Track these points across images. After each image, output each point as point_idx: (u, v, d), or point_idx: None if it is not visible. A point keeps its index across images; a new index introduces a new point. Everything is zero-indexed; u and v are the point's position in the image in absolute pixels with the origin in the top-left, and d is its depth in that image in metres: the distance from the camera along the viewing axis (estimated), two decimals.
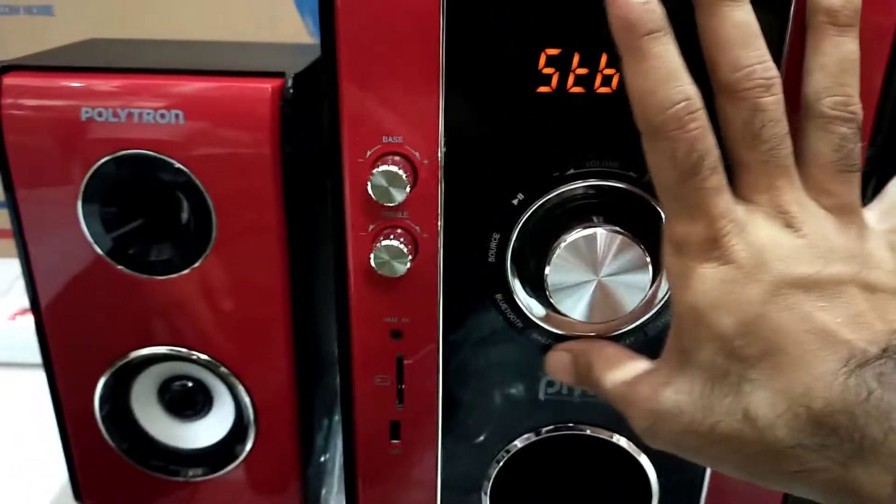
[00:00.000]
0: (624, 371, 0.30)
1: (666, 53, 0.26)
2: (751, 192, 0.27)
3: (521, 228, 0.32)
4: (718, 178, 0.26)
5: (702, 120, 0.25)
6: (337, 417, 0.49)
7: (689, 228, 0.26)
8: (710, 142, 0.26)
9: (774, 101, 0.26)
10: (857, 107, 0.27)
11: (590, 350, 0.32)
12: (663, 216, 0.28)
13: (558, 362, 0.33)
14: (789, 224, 0.26)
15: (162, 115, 0.35)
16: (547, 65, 0.29)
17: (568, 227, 0.30)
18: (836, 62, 0.27)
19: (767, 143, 0.26)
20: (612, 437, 0.36)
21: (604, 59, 0.29)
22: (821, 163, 0.27)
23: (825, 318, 0.24)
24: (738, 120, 0.26)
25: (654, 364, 0.29)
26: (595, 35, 0.29)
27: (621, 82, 0.29)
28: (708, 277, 0.26)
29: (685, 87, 0.25)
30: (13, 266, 0.40)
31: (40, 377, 0.41)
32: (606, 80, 0.29)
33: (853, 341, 0.24)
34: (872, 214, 0.28)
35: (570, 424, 0.36)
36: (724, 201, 0.26)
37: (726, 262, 0.26)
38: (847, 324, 0.24)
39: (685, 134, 0.25)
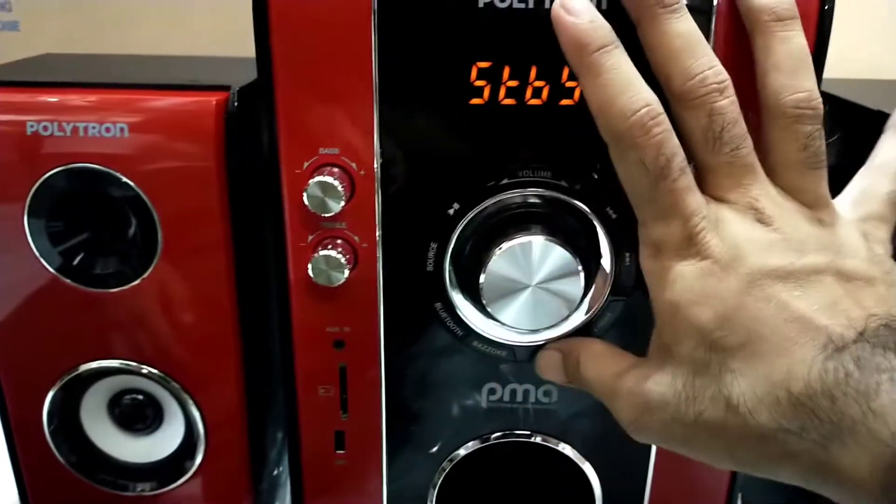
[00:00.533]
0: (610, 366, 0.30)
1: (620, 65, 0.26)
2: (719, 191, 0.27)
3: (458, 237, 0.32)
4: (688, 178, 0.26)
5: (665, 123, 0.26)
6: None
7: (664, 230, 0.27)
8: (674, 143, 0.26)
9: (730, 103, 0.26)
10: (818, 101, 0.27)
11: (578, 347, 0.32)
12: (639, 221, 0.28)
13: (548, 361, 0.33)
14: (760, 219, 0.27)
15: (107, 129, 0.35)
16: (478, 77, 0.30)
17: (503, 236, 0.31)
18: (788, 58, 0.27)
19: (729, 144, 0.27)
20: (557, 446, 0.37)
21: (533, 71, 0.30)
22: (789, 162, 0.27)
23: (802, 306, 0.25)
24: (697, 126, 0.27)
25: (640, 360, 0.29)
26: (524, 48, 0.29)
27: (551, 94, 0.30)
28: (686, 274, 0.26)
29: (643, 94, 0.26)
30: None
31: None
32: (537, 92, 0.30)
33: (830, 327, 0.24)
34: (843, 204, 0.29)
35: (516, 432, 0.37)
36: (696, 200, 0.26)
37: (703, 257, 0.26)
38: (823, 311, 0.24)
39: (651, 140, 0.26)
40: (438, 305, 0.34)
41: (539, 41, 0.29)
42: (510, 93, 0.30)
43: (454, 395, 0.36)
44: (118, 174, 0.35)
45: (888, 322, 0.24)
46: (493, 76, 0.30)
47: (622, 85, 0.26)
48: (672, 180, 0.26)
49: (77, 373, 0.40)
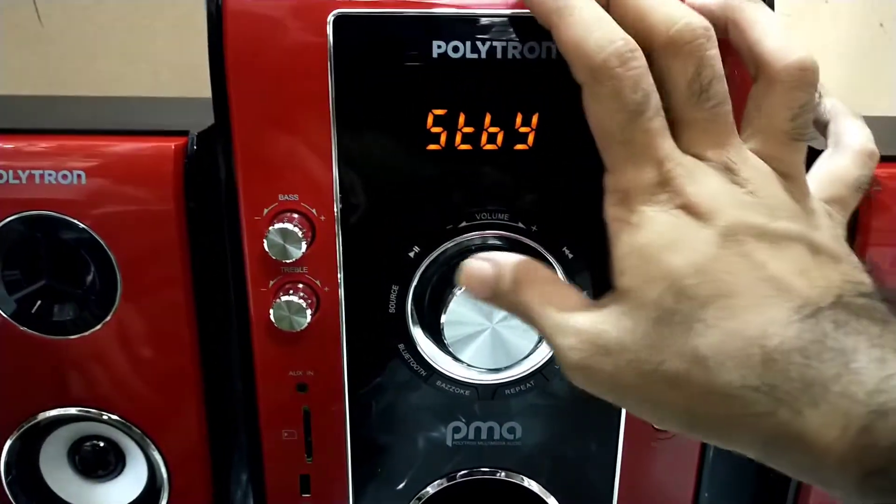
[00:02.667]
0: (558, 297, 0.27)
1: (590, 4, 0.26)
2: (695, 148, 0.26)
3: (418, 279, 0.33)
4: (662, 121, 0.25)
5: (642, 60, 0.25)
6: None
7: (636, 174, 0.25)
8: (651, 83, 0.25)
9: (716, 56, 0.25)
10: (818, 69, 0.26)
11: (519, 267, 0.28)
12: (607, 167, 0.26)
13: (477, 273, 0.29)
14: (735, 180, 0.26)
15: (64, 176, 0.35)
16: (435, 124, 0.31)
17: None
18: (777, 27, 0.27)
19: (713, 99, 0.26)
20: (522, 481, 0.37)
21: (488, 118, 0.31)
22: (775, 129, 0.26)
23: (777, 267, 0.24)
24: (683, 76, 0.25)
25: (593, 301, 0.27)
26: (478, 96, 0.30)
27: (506, 139, 0.31)
28: (659, 220, 0.25)
29: (618, 30, 0.25)
30: None
31: None
32: (492, 138, 0.31)
33: (806, 290, 0.23)
34: (809, 183, 0.28)
35: (482, 469, 0.37)
36: (670, 145, 0.25)
37: (677, 204, 0.25)
38: (797, 275, 0.24)
39: (629, 72, 0.25)
40: (401, 346, 0.34)
41: (492, 89, 0.30)
42: (466, 138, 0.31)
43: (420, 435, 0.36)
44: (76, 221, 0.35)
45: (861, 292, 0.24)
46: (448, 123, 0.31)
47: (595, 21, 0.25)
48: (648, 118, 0.25)
49: (35, 421, 0.39)
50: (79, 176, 0.35)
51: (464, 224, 0.32)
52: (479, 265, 0.29)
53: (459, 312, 0.31)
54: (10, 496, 0.41)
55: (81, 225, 0.35)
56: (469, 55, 0.29)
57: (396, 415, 0.35)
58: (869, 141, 0.30)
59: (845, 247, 0.26)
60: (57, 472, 0.42)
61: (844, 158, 0.30)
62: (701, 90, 0.25)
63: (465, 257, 0.32)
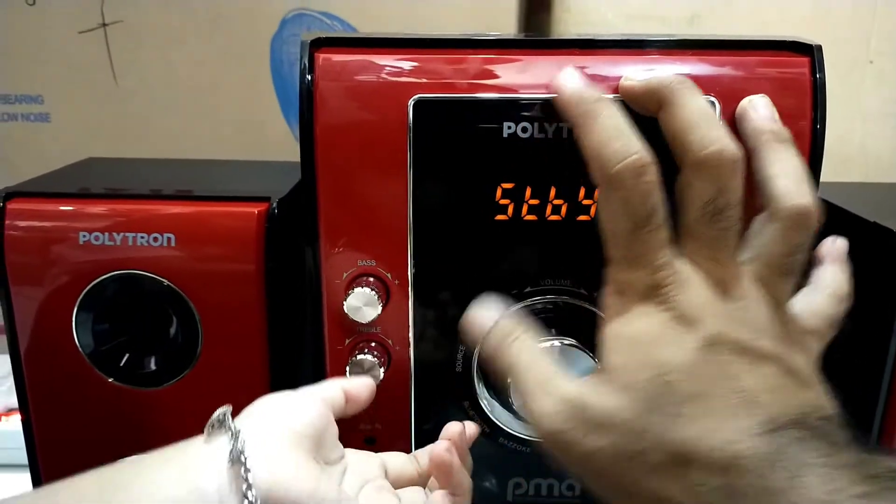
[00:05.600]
0: (544, 365, 0.29)
1: (616, 113, 0.28)
2: (697, 257, 0.28)
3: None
4: (665, 233, 0.27)
5: (654, 174, 0.27)
6: None
7: (631, 275, 0.28)
8: (660, 197, 0.27)
9: (738, 186, 0.27)
10: (818, 217, 0.28)
11: (523, 327, 0.30)
12: (609, 259, 0.28)
13: (480, 321, 0.31)
14: (727, 296, 0.27)
15: (155, 239, 0.38)
16: (503, 196, 0.33)
17: None
18: (795, 170, 0.29)
19: (723, 223, 0.27)
20: None
21: (552, 191, 0.33)
22: (770, 262, 0.28)
23: (749, 382, 0.26)
24: (701, 195, 0.27)
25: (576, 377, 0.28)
26: (544, 171, 0.32)
27: (569, 211, 0.33)
28: (648, 318, 0.27)
29: (638, 143, 0.27)
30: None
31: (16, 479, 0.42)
32: (556, 209, 0.33)
33: (771, 408, 0.25)
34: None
35: None
36: (668, 255, 0.27)
37: (667, 308, 0.27)
38: (767, 392, 0.26)
39: (640, 185, 0.27)
40: (466, 404, 0.36)
41: (558, 165, 0.32)
42: (532, 210, 0.33)
43: (481, 490, 0.37)
44: (164, 280, 0.38)
45: (821, 416, 0.26)
46: (516, 195, 0.33)
47: (619, 130, 0.27)
48: (648, 231, 0.27)
49: None
50: (169, 239, 0.38)
51: (528, 289, 0.34)
52: (485, 315, 0.31)
53: None
54: None
55: (170, 284, 0.38)
56: (536, 135, 0.32)
57: None
58: (844, 285, 0.32)
59: (816, 375, 0.29)
60: None
61: (823, 298, 0.31)
62: (714, 212, 0.27)
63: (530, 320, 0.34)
